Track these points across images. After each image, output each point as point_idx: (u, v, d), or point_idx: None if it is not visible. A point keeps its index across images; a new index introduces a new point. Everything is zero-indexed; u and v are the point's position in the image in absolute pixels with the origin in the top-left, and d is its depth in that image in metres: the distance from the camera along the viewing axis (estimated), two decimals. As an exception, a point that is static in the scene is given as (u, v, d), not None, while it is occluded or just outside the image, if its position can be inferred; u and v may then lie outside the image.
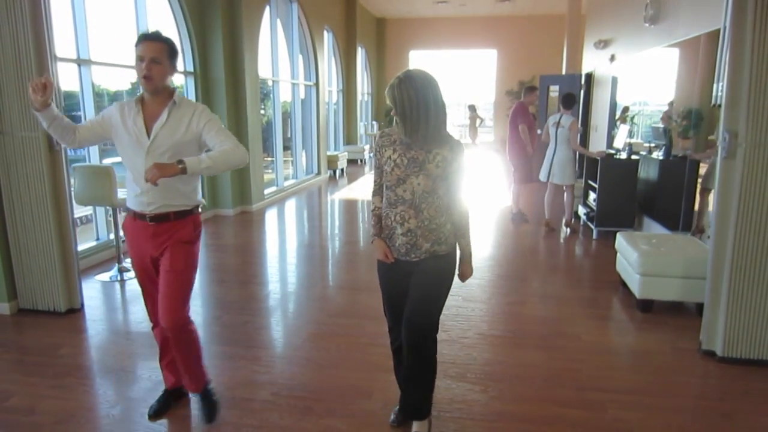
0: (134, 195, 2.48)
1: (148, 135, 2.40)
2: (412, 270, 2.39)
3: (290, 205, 8.77)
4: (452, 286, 2.47)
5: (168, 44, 2.38)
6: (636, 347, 3.61)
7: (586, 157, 7.10)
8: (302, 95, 10.82)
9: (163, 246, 2.48)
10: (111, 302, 4.42)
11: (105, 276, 4.89)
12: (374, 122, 17.32)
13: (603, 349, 3.54)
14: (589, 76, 9.98)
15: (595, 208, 6.44)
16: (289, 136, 10.62)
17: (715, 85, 3.41)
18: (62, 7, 5.17)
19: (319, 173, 11.23)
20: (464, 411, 2.79)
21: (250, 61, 7.71)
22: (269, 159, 9.64)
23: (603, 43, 8.79)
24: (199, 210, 2.61)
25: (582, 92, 10.21)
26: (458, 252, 2.45)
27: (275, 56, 9.28)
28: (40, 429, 2.63)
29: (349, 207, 8.86)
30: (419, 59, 18.20)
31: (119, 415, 2.77)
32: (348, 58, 13.95)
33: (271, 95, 9.63)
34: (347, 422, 2.69)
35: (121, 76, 6.63)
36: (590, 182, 6.91)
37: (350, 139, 14.54)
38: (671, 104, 6.54)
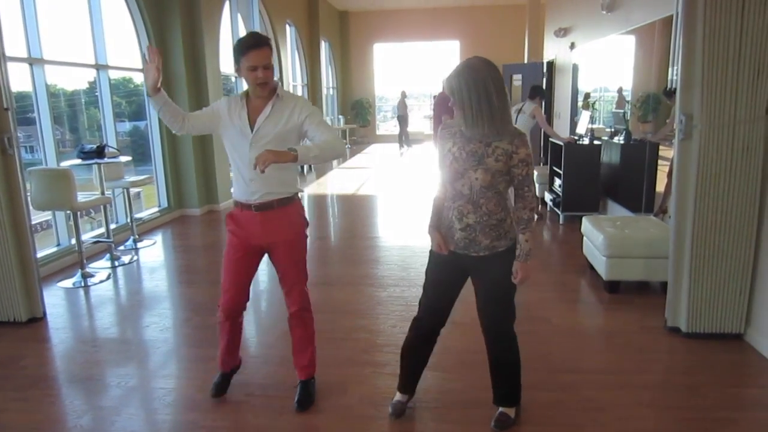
0: (239, 186, 2.61)
1: (251, 128, 2.52)
2: (469, 265, 2.36)
3: (258, 203, 8.65)
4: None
5: (271, 46, 2.48)
6: (605, 328, 3.70)
7: (551, 143, 7.20)
8: (266, 91, 10.66)
9: (274, 236, 2.61)
10: (75, 309, 4.29)
11: (68, 282, 4.74)
12: (340, 116, 17.24)
13: (573, 331, 3.61)
14: (551, 64, 10.12)
15: (560, 193, 6.55)
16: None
17: (670, 69, 3.50)
18: (10, 3, 4.97)
19: (286, 169, 11.10)
20: (440, 400, 2.81)
21: (211, 56, 7.55)
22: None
23: (563, 31, 8.92)
24: (299, 197, 2.73)
25: (544, 80, 10.34)
26: (516, 248, 2.34)
27: (237, 51, 9.13)
28: (5, 443, 2.55)
29: (319, 202, 8.80)
30: (383, 52, 18.17)
31: (88, 425, 2.69)
32: (312, 53, 13.83)
33: (235, 91, 9.48)
34: (324, 418, 2.68)
35: (77, 75, 6.43)
36: (555, 168, 7.02)
37: (317, 133, 14.40)
38: (620, 91, 6.70)
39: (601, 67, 7.46)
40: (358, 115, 18.19)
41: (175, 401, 2.88)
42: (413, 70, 18.52)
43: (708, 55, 3.00)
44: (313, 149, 2.38)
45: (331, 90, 16.68)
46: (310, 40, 13.75)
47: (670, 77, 3.31)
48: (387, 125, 20.26)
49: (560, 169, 6.53)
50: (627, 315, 3.80)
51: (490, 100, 2.08)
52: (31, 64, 5.12)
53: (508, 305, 2.42)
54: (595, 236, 4.26)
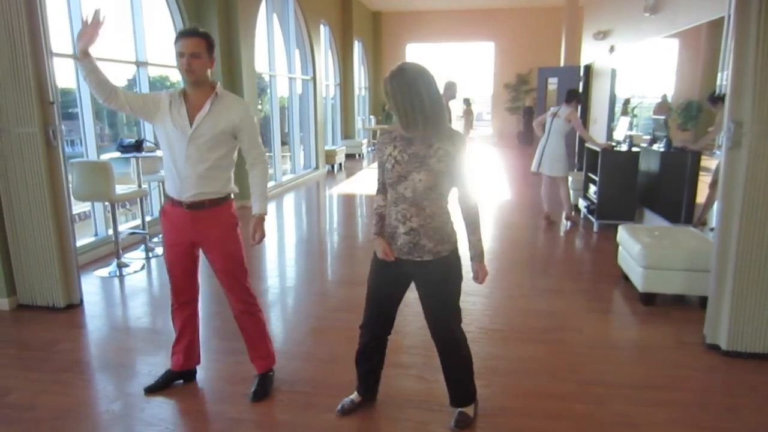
0: (172, 182, 2.62)
1: (191, 125, 2.54)
2: (412, 271, 2.37)
3: (288, 200, 8.73)
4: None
5: (206, 38, 2.52)
6: (639, 341, 3.59)
7: (587, 149, 7.07)
8: (299, 90, 10.76)
9: (206, 233, 2.66)
10: (110, 298, 4.38)
11: (104, 271, 4.85)
12: (371, 117, 17.26)
13: (606, 343, 3.52)
14: (588, 68, 9.95)
15: (595, 200, 6.42)
16: (286, 131, 10.57)
17: (719, 75, 3.38)
18: (57, 1, 5.11)
19: (317, 168, 11.19)
20: (467, 405, 2.76)
21: (247, 55, 7.64)
22: (267, 154, 9.58)
23: (602, 34, 8.75)
24: (232, 197, 2.78)
25: (581, 84, 10.18)
26: (469, 250, 2.38)
27: (272, 51, 9.22)
28: (40, 424, 2.61)
29: (348, 201, 8.82)
30: (416, 52, 18.14)
31: (119, 410, 2.74)
32: (344, 52, 13.88)
33: (268, 90, 9.57)
34: (348, 417, 2.66)
35: (118, 72, 6.57)
36: (590, 175, 6.88)
37: (348, 133, 14.49)
38: (664, 97, 6.54)
39: (640, 72, 7.29)
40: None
41: (203, 392, 2.92)
42: (446, 71, 18.43)
43: (761, 59, 2.88)
44: (262, 196, 2.78)
45: (363, 90, 16.72)
46: (344, 40, 13.81)
47: (718, 83, 3.20)
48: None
49: (596, 175, 6.41)
50: (663, 329, 3.69)
51: (422, 104, 2.14)
52: (75, 60, 5.26)
53: (455, 308, 2.44)
54: (631, 246, 4.15)
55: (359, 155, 14.18)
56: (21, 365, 3.23)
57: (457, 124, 18.54)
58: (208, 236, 2.65)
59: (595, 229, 6.39)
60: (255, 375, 2.90)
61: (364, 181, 10.56)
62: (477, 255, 2.37)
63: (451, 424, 2.56)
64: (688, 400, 2.84)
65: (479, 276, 2.39)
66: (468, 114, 18.58)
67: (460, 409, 2.59)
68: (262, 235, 2.67)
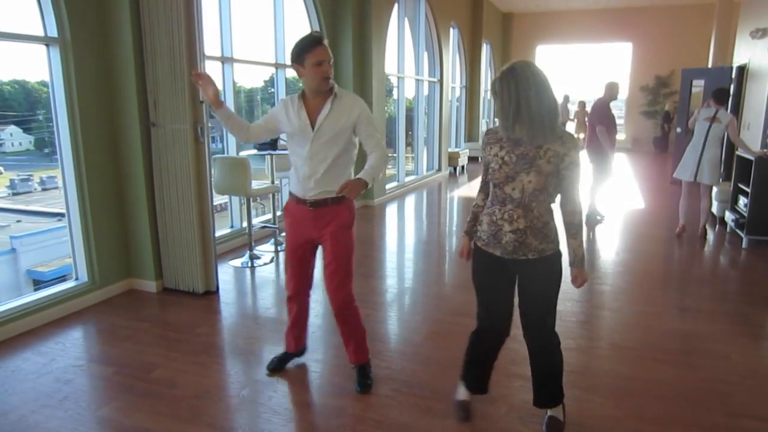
0: (297, 181, 2.76)
1: (313, 126, 2.66)
2: (516, 269, 2.33)
3: (410, 201, 8.81)
4: (578, 292, 2.30)
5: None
6: (802, 375, 3.14)
7: (737, 157, 6.35)
8: (426, 91, 10.81)
9: (324, 230, 2.75)
10: (242, 287, 4.68)
11: (237, 262, 5.19)
12: (496, 120, 16.87)
13: (760, 373, 3.11)
14: (742, 69, 8.96)
15: (745, 214, 5.75)
16: (411, 132, 10.68)
17: None
18: (209, 7, 5.55)
19: (439, 170, 11.17)
20: (595, 427, 2.59)
21: (377, 57, 7.82)
22: (391, 154, 9.76)
23: (761, 32, 7.84)
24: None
25: (732, 87, 9.19)
26: (569, 254, 2.30)
27: (401, 53, 9.36)
28: (180, 402, 2.82)
29: (469, 205, 8.70)
30: (545, 54, 17.51)
31: (249, 396, 2.90)
32: (473, 55, 13.75)
33: (396, 91, 9.72)
34: (467, 425, 2.60)
35: (255, 73, 7.02)
36: (740, 185, 6.18)
37: (472, 135, 14.33)
38: None
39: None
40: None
41: (324, 386, 3.01)
42: (577, 73, 17.59)
43: None
44: (374, 173, 2.59)
45: (488, 93, 16.44)
46: (472, 42, 13.66)
47: None
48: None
49: (747, 186, 5.73)
50: (833, 364, 3.20)
51: (529, 106, 2.07)
52: (222, 63, 5.70)
53: (553, 308, 2.40)
54: (794, 267, 3.65)
55: (482, 158, 13.93)
56: (165, 344, 3.53)
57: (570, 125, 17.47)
58: (325, 233, 2.75)
59: (743, 245, 5.73)
60: (352, 366, 2.99)
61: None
62: (578, 260, 2.29)
63: (543, 429, 2.52)
64: None
65: (577, 281, 2.31)
66: (582, 115, 17.53)
67: (550, 413, 2.55)
68: (350, 190, 2.43)
